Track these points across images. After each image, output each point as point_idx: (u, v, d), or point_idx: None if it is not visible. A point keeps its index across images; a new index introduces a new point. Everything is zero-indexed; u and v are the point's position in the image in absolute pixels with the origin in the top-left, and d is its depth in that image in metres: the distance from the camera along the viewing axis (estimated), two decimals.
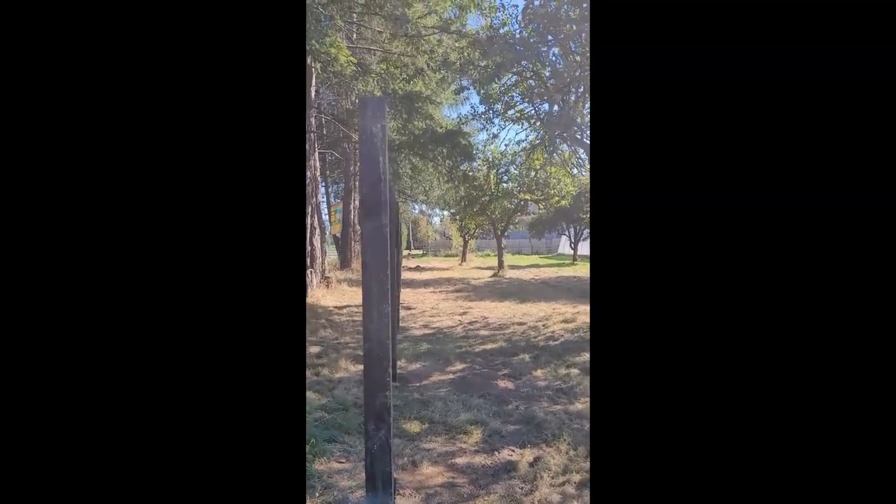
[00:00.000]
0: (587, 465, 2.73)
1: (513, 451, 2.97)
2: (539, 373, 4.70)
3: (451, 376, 4.63)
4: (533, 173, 13.37)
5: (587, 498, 2.37)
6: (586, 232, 22.88)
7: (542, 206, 17.11)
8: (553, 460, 2.80)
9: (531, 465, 2.77)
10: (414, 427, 3.33)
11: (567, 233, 24.88)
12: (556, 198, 14.83)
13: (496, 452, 2.95)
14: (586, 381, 4.32)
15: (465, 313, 8.27)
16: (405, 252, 37.46)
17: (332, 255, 14.38)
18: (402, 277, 14.46)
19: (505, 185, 14.65)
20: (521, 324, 7.28)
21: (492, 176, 14.02)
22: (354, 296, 9.98)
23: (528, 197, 15.66)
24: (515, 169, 13.84)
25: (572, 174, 12.58)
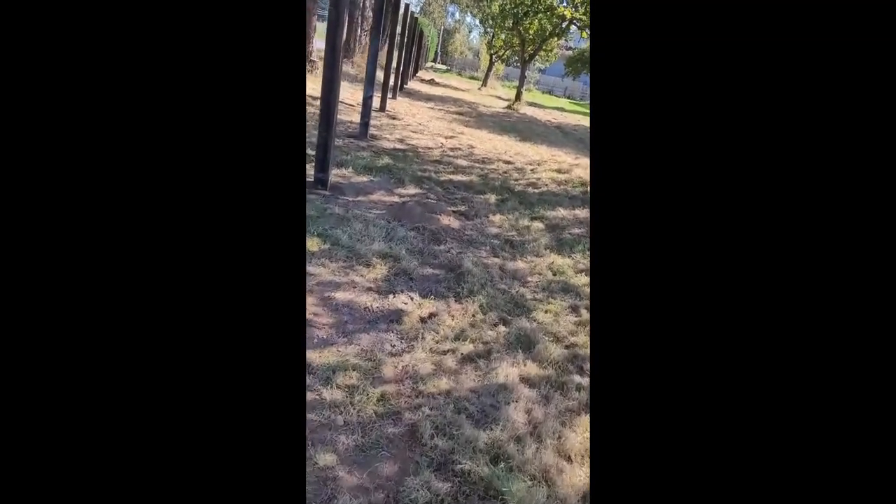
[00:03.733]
0: (490, 334, 2.22)
1: (410, 298, 2.44)
2: (497, 218, 4.03)
3: (395, 199, 3.96)
4: None
5: (465, 376, 1.88)
6: None
7: (585, 35, 14.39)
8: (450, 321, 2.27)
9: (422, 320, 2.25)
10: (312, 245, 2.75)
11: None
12: None
13: (390, 296, 2.41)
14: (543, 239, 3.68)
15: (452, 137, 7.28)
16: (428, 63, 34.04)
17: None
18: (405, 86, 12.94)
19: None
20: (508, 162, 6.39)
21: None
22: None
23: (571, 14, 12.94)
24: None
25: None
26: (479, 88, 20.91)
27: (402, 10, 10.62)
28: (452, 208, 4.04)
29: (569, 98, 28.50)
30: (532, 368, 2.01)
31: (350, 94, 8.25)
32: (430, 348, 2.03)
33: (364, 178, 4.31)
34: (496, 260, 3.15)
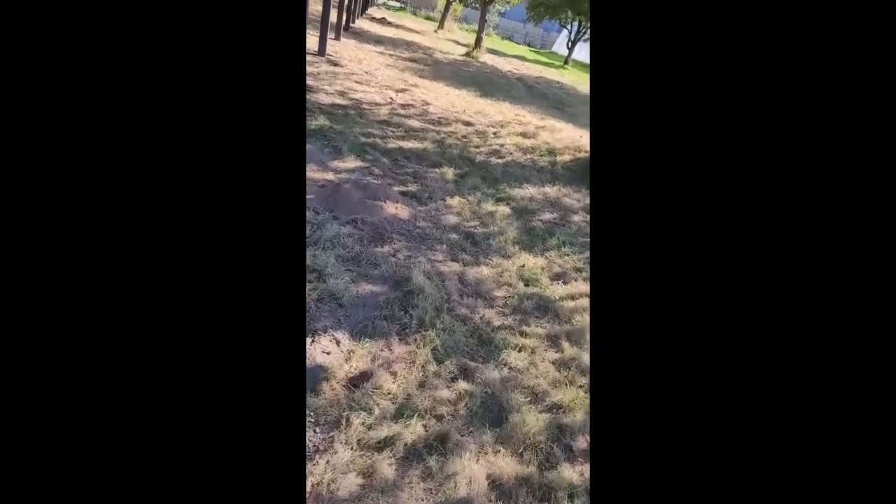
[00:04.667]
0: (446, 398, 1.60)
1: (336, 342, 1.76)
2: (455, 201, 3.33)
3: (329, 177, 3.16)
4: None
5: (409, 491, 1.27)
6: (587, 34, 19.29)
7: None
8: (391, 383, 1.63)
9: (349, 384, 1.59)
10: None
11: (569, 26, 20.95)
12: None
13: (308, 340, 1.72)
14: (511, 230, 3.04)
15: (404, 90, 6.34)
16: (381, 0, 31.33)
17: None
18: (353, 25, 11.48)
19: None
20: (467, 123, 5.61)
21: None
22: None
23: None
24: None
25: None
26: (436, 31, 19.33)
27: None
28: (401, 188, 3.30)
29: (529, 46, 27.22)
30: (504, 462, 1.42)
31: None
32: (358, 440, 1.39)
33: None
34: (455, 266, 2.49)
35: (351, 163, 3.50)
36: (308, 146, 3.53)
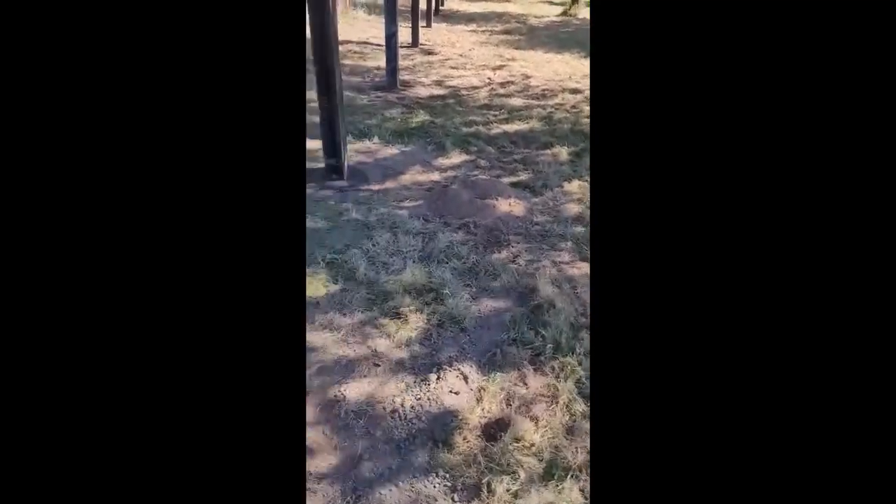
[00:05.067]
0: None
1: (463, 377, 1.55)
2: (574, 186, 2.94)
3: (435, 178, 2.97)
4: None
5: None
6: None
7: None
8: (531, 431, 1.37)
9: (486, 434, 1.37)
10: (316, 287, 1.91)
11: None
12: None
13: (431, 376, 1.54)
14: None
15: (501, 67, 5.94)
16: None
17: None
18: (442, 8, 11.21)
19: None
20: (574, 91, 5.05)
21: None
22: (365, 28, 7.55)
23: None
24: None
25: None
26: None
27: None
28: (511, 179, 3.00)
29: None
30: None
31: (377, 29, 7.00)
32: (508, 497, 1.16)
33: (394, 150, 3.33)
34: (585, 268, 2.14)
35: (456, 158, 3.28)
36: (410, 147, 3.39)
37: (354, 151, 3.25)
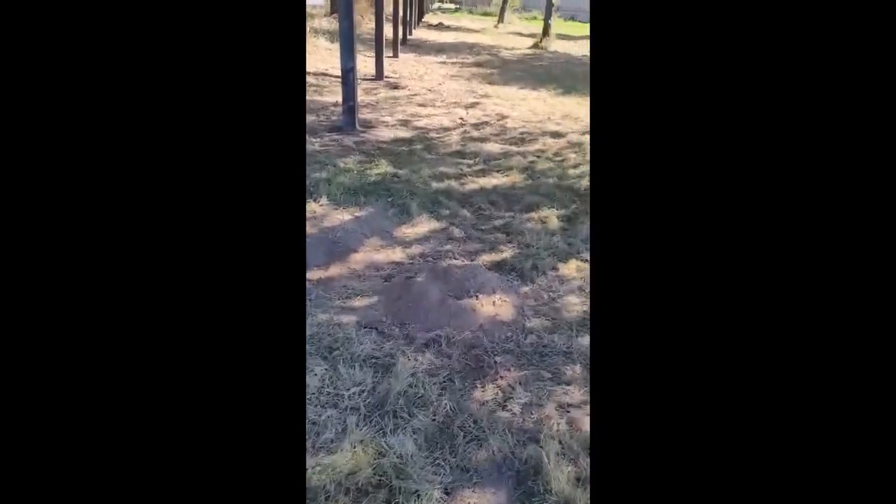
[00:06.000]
0: None
1: None
2: (572, 268, 2.35)
3: (397, 257, 2.32)
4: None
5: None
6: None
7: None
8: None
9: None
10: None
11: None
12: None
13: None
14: None
15: (474, 105, 5.42)
16: (434, 5, 30.83)
17: None
18: (410, 37, 10.80)
19: None
20: (556, 135, 4.56)
21: None
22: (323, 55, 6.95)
23: None
24: None
25: None
26: (496, 26, 18.25)
27: None
28: (493, 257, 2.38)
29: None
30: None
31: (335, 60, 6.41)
32: None
33: (345, 216, 2.67)
34: None
35: (423, 225, 2.65)
36: (366, 211, 2.75)
37: None
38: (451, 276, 2.09)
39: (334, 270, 2.17)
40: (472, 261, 2.32)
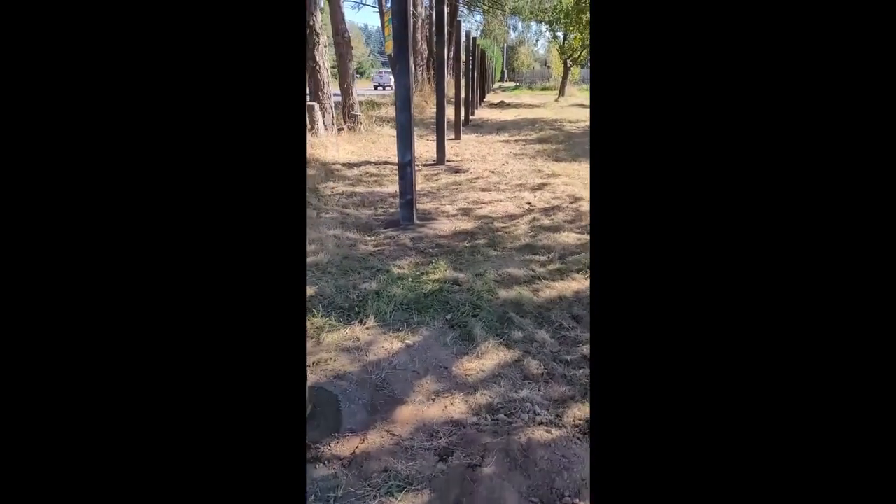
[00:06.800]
0: None
1: None
2: None
3: (456, 413, 1.75)
4: None
5: None
6: None
7: None
8: None
9: None
10: None
11: None
12: None
13: None
14: None
15: (542, 187, 4.97)
16: (495, 84, 32.23)
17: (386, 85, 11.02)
18: (472, 117, 10.90)
19: None
20: None
21: None
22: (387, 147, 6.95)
23: None
24: None
25: None
26: (556, 100, 18.39)
27: (462, 37, 8.71)
28: (586, 411, 1.73)
29: None
30: None
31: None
32: None
33: (395, 344, 2.18)
34: None
35: (489, 357, 2.09)
36: (422, 332, 2.24)
37: (335, 348, 2.13)
38: (534, 461, 1.46)
39: (373, 439, 1.62)
40: (560, 419, 1.69)
